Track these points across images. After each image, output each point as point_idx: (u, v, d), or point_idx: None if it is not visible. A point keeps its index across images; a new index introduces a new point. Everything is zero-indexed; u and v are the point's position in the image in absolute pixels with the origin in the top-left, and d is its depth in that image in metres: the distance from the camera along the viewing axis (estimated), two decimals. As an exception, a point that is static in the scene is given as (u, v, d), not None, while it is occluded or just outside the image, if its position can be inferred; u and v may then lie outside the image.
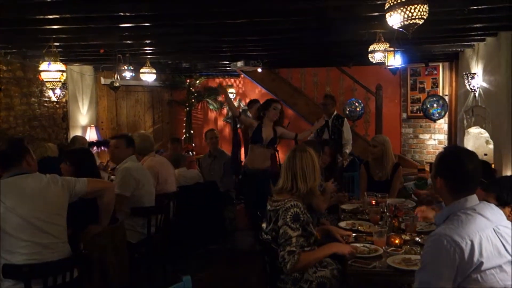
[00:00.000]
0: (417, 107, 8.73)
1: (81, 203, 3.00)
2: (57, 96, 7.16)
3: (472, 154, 2.04)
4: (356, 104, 7.99)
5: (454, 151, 2.10)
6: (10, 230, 2.53)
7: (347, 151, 6.34)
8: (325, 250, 2.79)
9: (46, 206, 2.67)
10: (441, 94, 8.08)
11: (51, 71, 5.01)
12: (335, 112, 6.52)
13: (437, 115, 7.28)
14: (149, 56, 6.62)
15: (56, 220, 2.71)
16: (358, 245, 2.90)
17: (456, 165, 1.99)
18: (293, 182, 2.83)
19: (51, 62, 4.98)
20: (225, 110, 10.50)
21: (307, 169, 2.84)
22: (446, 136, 8.23)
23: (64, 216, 2.77)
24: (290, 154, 2.93)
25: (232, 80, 10.40)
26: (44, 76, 5.11)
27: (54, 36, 4.86)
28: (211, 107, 10.34)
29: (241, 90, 10.41)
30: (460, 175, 1.98)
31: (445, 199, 2.05)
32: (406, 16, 2.79)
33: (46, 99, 7.16)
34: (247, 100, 10.11)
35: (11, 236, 2.53)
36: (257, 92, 9.90)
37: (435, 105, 7.26)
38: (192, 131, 10.19)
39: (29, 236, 2.56)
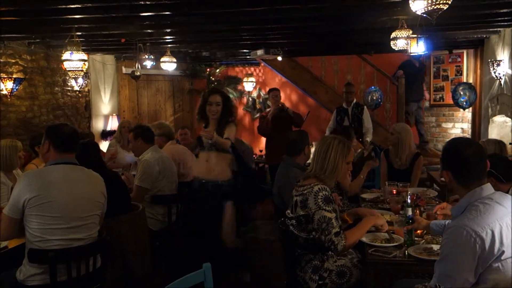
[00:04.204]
0: (440, 95, 8.57)
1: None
2: (79, 86, 7.26)
3: (469, 141, 2.18)
4: (375, 92, 7.90)
5: (451, 142, 2.17)
6: (50, 214, 2.53)
7: (368, 139, 6.29)
8: (365, 226, 2.79)
9: (89, 202, 2.70)
10: (465, 81, 7.91)
11: (74, 60, 5.08)
12: (355, 100, 6.47)
13: (465, 103, 7.12)
14: (169, 45, 6.65)
15: (94, 218, 2.74)
16: (378, 234, 2.88)
17: (455, 153, 2.05)
18: (322, 167, 2.81)
19: (73, 52, 5.03)
20: (245, 99, 10.50)
21: (337, 157, 2.82)
22: (469, 125, 8.08)
23: (99, 214, 2.79)
24: (321, 142, 2.92)
25: (252, 69, 10.37)
26: (66, 65, 5.19)
27: (76, 26, 4.91)
28: (231, 96, 10.33)
29: (261, 79, 10.38)
30: (460, 161, 2.01)
31: (459, 191, 2.06)
32: (430, 1, 2.74)
33: (69, 88, 7.27)
34: (267, 89, 10.11)
35: (50, 223, 2.53)
36: (277, 80, 9.86)
37: (466, 92, 7.09)
38: (212, 120, 10.22)
39: (65, 228, 2.56)
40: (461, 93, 7.11)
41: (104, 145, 7.35)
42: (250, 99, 10.49)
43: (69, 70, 5.23)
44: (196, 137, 4.16)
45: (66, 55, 5.11)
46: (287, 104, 7.56)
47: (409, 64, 8.10)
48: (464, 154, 2.00)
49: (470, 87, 7.19)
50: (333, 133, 5.01)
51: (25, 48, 6.31)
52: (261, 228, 5.91)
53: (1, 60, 5.90)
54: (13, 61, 6.12)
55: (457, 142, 2.13)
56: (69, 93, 7.29)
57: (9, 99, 5.91)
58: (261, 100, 10.39)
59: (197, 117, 4.23)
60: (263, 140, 7.57)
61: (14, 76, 5.99)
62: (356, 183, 4.15)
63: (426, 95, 8.65)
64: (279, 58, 7.41)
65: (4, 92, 5.83)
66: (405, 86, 7.76)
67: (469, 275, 1.83)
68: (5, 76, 5.84)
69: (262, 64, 9.44)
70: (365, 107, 6.51)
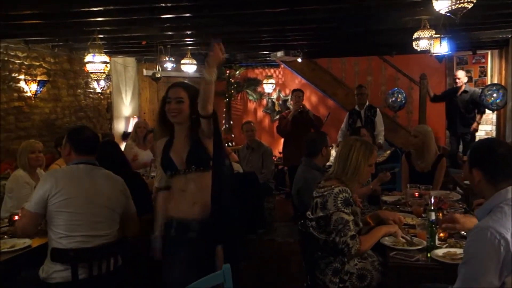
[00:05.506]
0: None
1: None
2: (101, 88, 7.37)
3: (500, 141, 2.23)
4: (398, 94, 7.78)
5: (484, 140, 2.18)
6: (74, 210, 2.59)
7: (381, 141, 6.21)
8: (378, 233, 2.76)
9: (108, 200, 2.74)
10: (489, 83, 7.74)
11: (96, 62, 5.16)
12: (368, 103, 6.40)
13: (496, 105, 6.92)
14: (189, 47, 6.69)
15: (114, 216, 2.77)
16: (401, 238, 2.83)
17: (488, 151, 2.01)
18: (343, 169, 2.79)
19: (96, 54, 5.11)
20: (264, 101, 10.51)
21: (359, 159, 2.78)
22: (494, 127, 7.91)
23: (118, 212, 2.83)
24: (343, 143, 2.89)
25: (272, 70, 10.36)
26: (89, 67, 5.27)
27: (98, 29, 4.99)
28: (250, 98, 10.36)
29: (281, 80, 10.37)
30: (494, 159, 1.97)
31: (486, 191, 2.00)
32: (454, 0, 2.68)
33: (91, 90, 7.39)
34: (287, 91, 10.09)
35: (73, 219, 2.59)
36: (297, 82, 9.83)
37: (495, 94, 6.89)
38: (231, 122, 10.25)
39: (86, 224, 2.62)
40: (494, 94, 6.90)
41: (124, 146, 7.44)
42: (270, 101, 10.48)
43: (92, 72, 5.31)
44: (164, 158, 2.74)
45: (88, 58, 5.20)
46: (307, 106, 7.52)
47: (453, 91, 7.26)
48: (498, 152, 1.97)
49: (499, 88, 6.96)
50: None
51: (49, 51, 6.43)
52: (279, 230, 5.91)
53: (26, 63, 6.03)
54: (37, 63, 6.25)
55: (489, 140, 2.18)
56: (91, 95, 7.40)
57: (33, 101, 6.04)
58: (280, 101, 10.37)
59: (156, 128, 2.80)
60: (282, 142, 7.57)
61: (38, 78, 6.12)
62: (362, 191, 4.07)
63: (474, 126, 7.15)
64: (299, 60, 7.39)
65: (29, 94, 5.96)
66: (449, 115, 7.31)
67: (493, 278, 1.78)
68: (30, 79, 5.97)
69: (282, 65, 9.43)
70: (377, 109, 6.43)
